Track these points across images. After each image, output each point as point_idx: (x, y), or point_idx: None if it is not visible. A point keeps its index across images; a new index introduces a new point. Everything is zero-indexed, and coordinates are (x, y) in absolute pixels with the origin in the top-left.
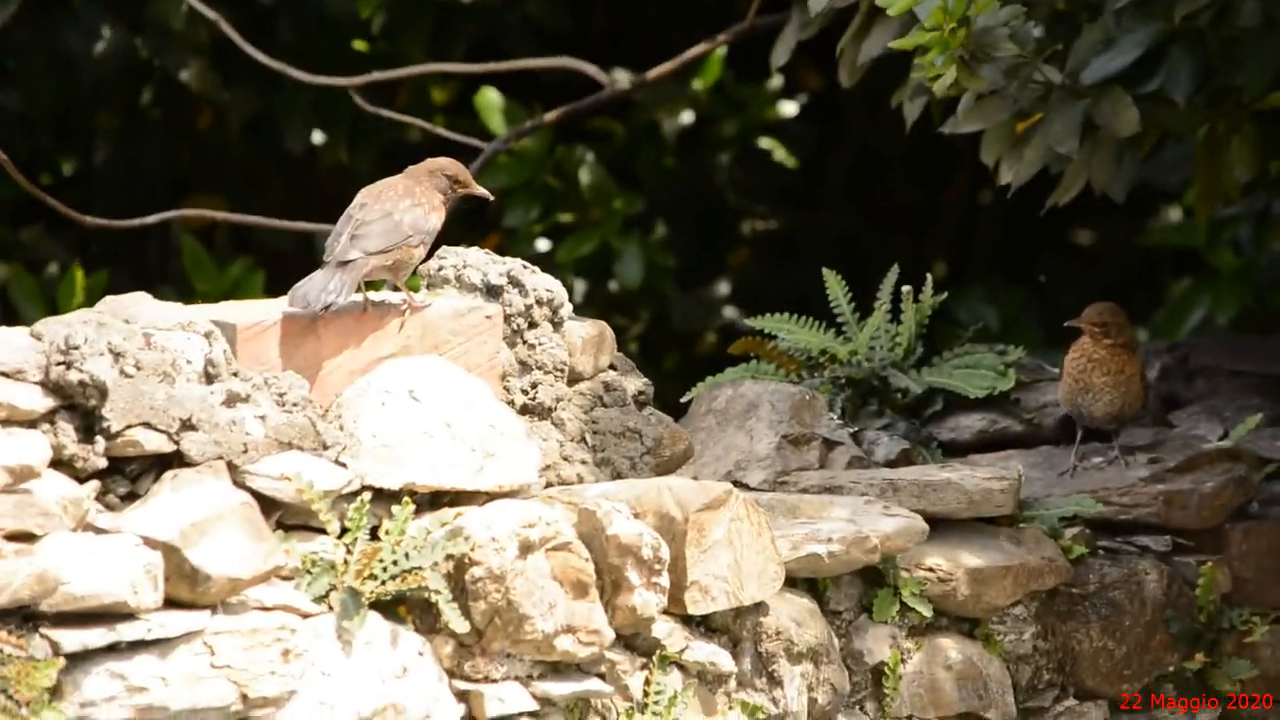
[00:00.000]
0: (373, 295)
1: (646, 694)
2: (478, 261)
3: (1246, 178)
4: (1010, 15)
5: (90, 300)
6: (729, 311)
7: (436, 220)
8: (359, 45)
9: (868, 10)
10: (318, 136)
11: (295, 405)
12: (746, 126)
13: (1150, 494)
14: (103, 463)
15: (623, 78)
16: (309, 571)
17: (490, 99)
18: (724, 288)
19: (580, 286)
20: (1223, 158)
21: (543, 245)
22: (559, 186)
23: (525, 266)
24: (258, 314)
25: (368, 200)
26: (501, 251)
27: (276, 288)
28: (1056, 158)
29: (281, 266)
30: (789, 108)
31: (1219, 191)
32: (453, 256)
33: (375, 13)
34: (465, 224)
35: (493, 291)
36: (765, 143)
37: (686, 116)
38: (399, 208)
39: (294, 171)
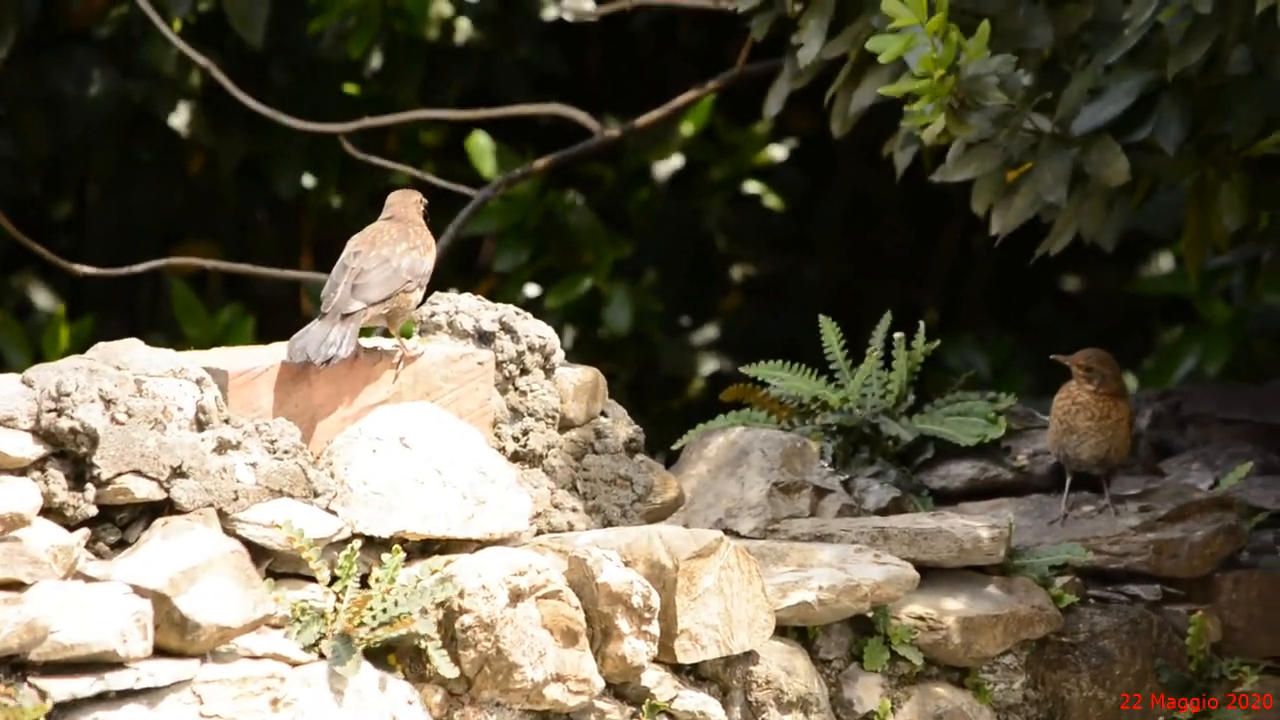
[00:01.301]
0: (365, 342)
1: None
2: (470, 308)
3: (1236, 226)
4: (1000, 64)
5: (76, 347)
6: (719, 357)
7: (431, 261)
8: (350, 89)
9: (857, 60)
10: (308, 181)
11: (286, 452)
12: (736, 171)
13: (1141, 542)
14: (93, 510)
15: (613, 124)
16: (299, 620)
17: (481, 143)
18: (713, 333)
19: (569, 332)
20: (1212, 206)
21: (532, 290)
22: (549, 230)
23: (517, 313)
24: (249, 360)
25: (362, 248)
26: (494, 298)
27: (267, 333)
28: (1046, 206)
29: (272, 312)
30: (779, 152)
31: (1208, 240)
32: (445, 303)
33: (368, 56)
34: (458, 270)
35: (485, 338)
36: (755, 187)
37: (676, 160)
38: (395, 253)
39: (285, 216)
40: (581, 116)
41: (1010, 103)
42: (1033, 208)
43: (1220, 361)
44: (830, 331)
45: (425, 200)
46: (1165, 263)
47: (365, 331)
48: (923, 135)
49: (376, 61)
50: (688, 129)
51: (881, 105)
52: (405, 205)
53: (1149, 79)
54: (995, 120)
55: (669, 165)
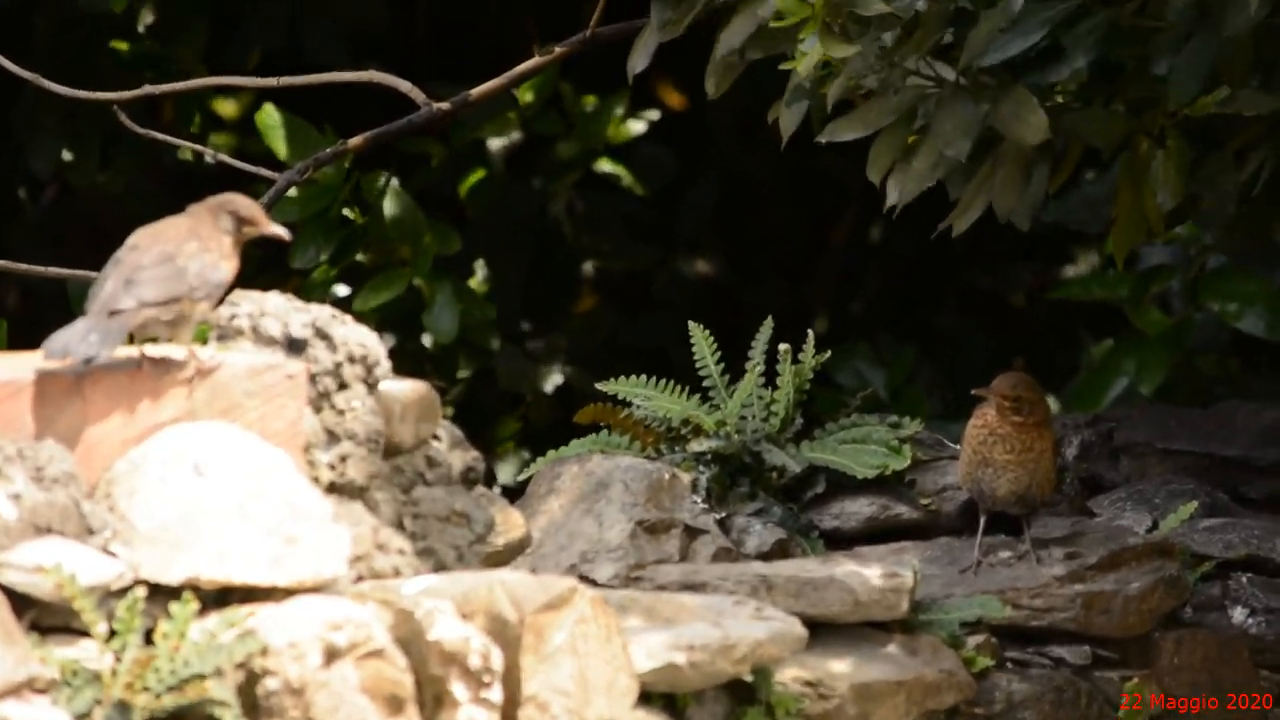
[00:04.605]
0: (150, 350)
1: None
2: (278, 309)
3: (1170, 203)
4: None
5: None
6: (569, 371)
7: (228, 271)
8: (120, 46)
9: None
10: (68, 155)
11: (56, 481)
12: (588, 147)
13: (1067, 595)
14: None
15: (443, 91)
16: (69, 683)
17: (271, 118)
18: (562, 341)
19: (385, 341)
20: (1146, 185)
21: (342, 290)
22: (358, 220)
23: (334, 316)
24: (10, 371)
25: (142, 242)
26: (300, 298)
27: (25, 340)
28: (951, 171)
29: (32, 314)
30: (639, 125)
31: (1141, 226)
32: (248, 303)
33: (138, 7)
34: (261, 264)
35: (295, 346)
36: (611, 167)
37: (515, 135)
38: (183, 251)
39: (48, 198)
40: (405, 87)
41: (897, 14)
42: (934, 169)
43: (1156, 380)
44: (702, 341)
45: (241, 210)
46: (1095, 263)
47: (147, 341)
48: (798, 68)
49: (150, 16)
50: (528, 98)
51: (765, 68)
52: (210, 209)
53: (1069, 9)
54: (881, 55)
55: (506, 141)
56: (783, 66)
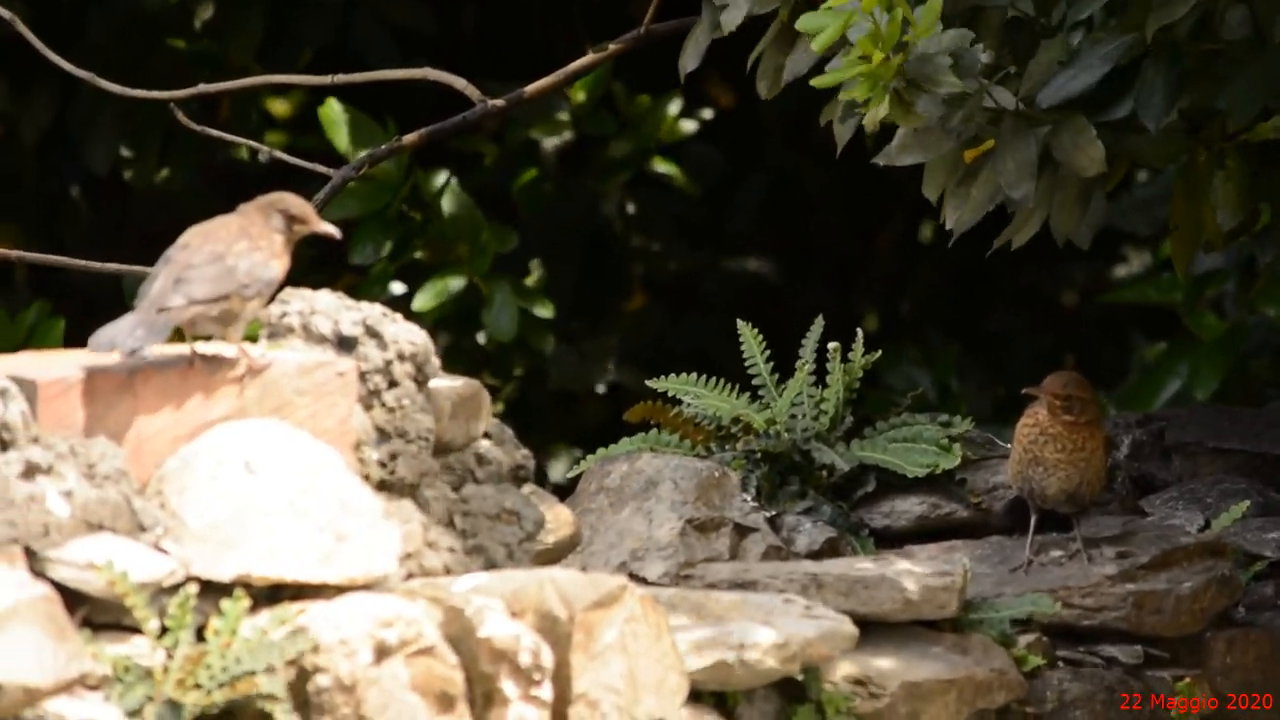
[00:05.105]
0: (201, 347)
1: None
2: (328, 307)
3: (1231, 223)
4: (954, 40)
5: None
6: (620, 369)
7: (278, 269)
8: (177, 44)
9: (791, 18)
10: (125, 152)
11: (107, 478)
12: (640, 147)
13: (1118, 594)
14: None
15: (495, 91)
16: (121, 679)
17: (334, 113)
18: (613, 340)
19: (441, 339)
20: (1204, 196)
21: (398, 288)
22: (417, 217)
23: (385, 314)
24: (63, 368)
25: (193, 240)
26: (354, 295)
27: (80, 337)
28: (1010, 198)
29: (87, 311)
30: (691, 124)
31: (1199, 237)
32: (299, 301)
33: (196, 5)
34: (313, 262)
35: (346, 343)
36: (662, 167)
37: (567, 135)
38: (233, 250)
39: (102, 196)
40: (459, 83)
41: (965, 91)
42: (993, 200)
43: (1211, 385)
44: (751, 339)
45: (292, 208)
46: (1146, 263)
47: (197, 339)
48: (864, 121)
49: (208, 12)
50: (580, 97)
51: (818, 68)
52: (260, 207)
53: (1129, 44)
54: (948, 102)
55: (559, 140)
56: (843, 97)
